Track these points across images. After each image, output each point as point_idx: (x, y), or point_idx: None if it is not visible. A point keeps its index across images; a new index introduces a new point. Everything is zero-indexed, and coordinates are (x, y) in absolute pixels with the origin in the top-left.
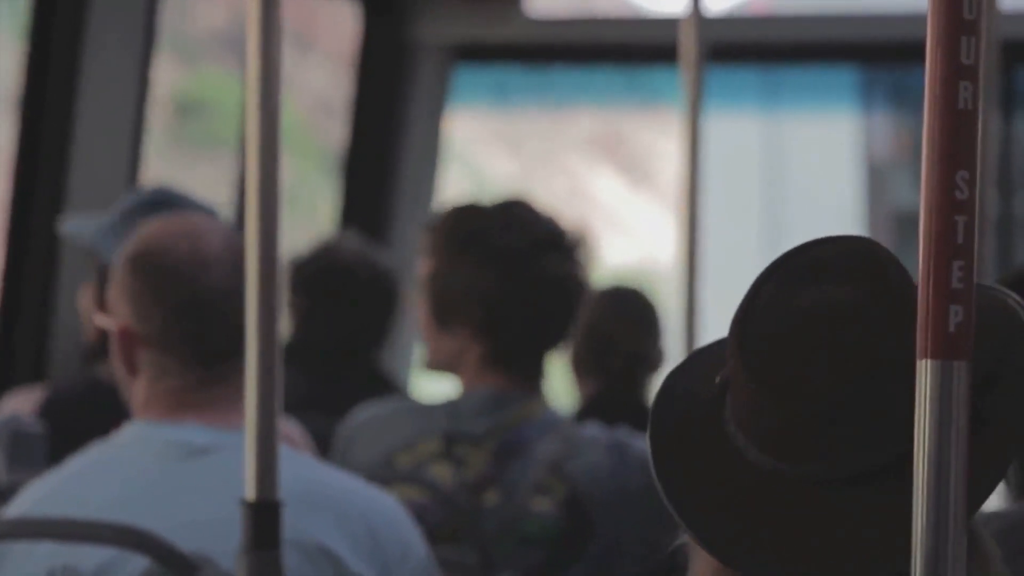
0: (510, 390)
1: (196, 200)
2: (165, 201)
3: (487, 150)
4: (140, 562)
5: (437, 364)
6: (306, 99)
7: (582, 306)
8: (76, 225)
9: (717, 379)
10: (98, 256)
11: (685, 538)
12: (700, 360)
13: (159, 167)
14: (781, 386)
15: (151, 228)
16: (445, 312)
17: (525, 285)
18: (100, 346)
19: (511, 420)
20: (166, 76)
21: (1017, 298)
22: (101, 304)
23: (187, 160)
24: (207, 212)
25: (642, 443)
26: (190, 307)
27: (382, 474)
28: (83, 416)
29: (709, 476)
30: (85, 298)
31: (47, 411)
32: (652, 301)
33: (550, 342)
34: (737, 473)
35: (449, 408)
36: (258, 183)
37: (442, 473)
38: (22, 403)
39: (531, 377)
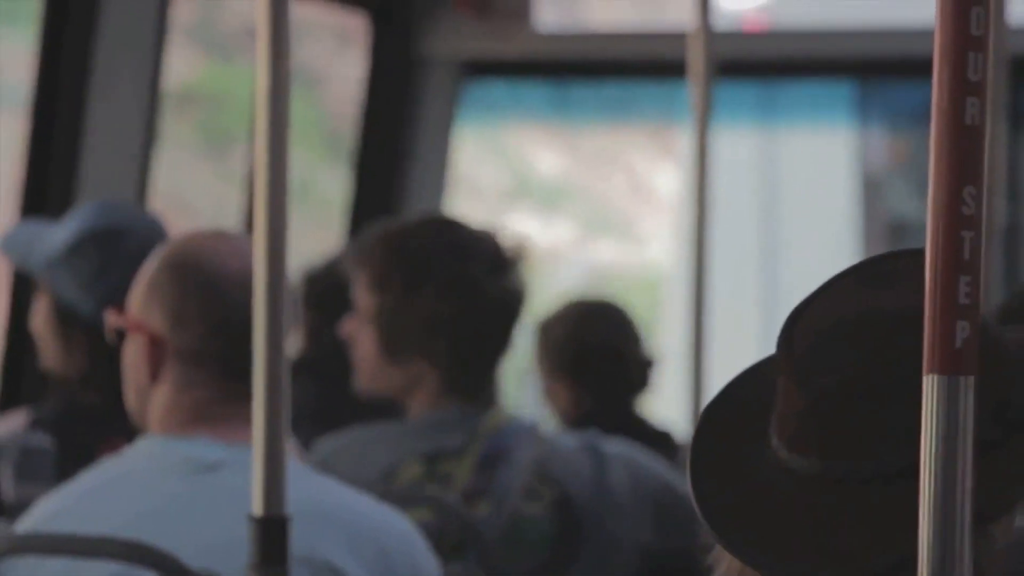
0: (470, 408)
1: (144, 214)
2: (114, 227)
3: (533, 142)
4: None
5: (382, 392)
6: (343, 92)
7: (525, 317)
8: (14, 244)
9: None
10: (51, 288)
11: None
12: (763, 370)
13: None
14: (803, 377)
15: (195, 239)
16: (400, 346)
17: (482, 309)
18: (79, 370)
19: (484, 431)
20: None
21: None
22: (62, 332)
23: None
24: (156, 226)
25: (611, 447)
26: (232, 324)
27: (385, 492)
28: (64, 440)
29: (739, 468)
30: (39, 321)
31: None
32: (628, 310)
33: (501, 359)
34: (763, 467)
35: (419, 428)
36: (266, 198)
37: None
38: (6, 426)
39: (487, 393)
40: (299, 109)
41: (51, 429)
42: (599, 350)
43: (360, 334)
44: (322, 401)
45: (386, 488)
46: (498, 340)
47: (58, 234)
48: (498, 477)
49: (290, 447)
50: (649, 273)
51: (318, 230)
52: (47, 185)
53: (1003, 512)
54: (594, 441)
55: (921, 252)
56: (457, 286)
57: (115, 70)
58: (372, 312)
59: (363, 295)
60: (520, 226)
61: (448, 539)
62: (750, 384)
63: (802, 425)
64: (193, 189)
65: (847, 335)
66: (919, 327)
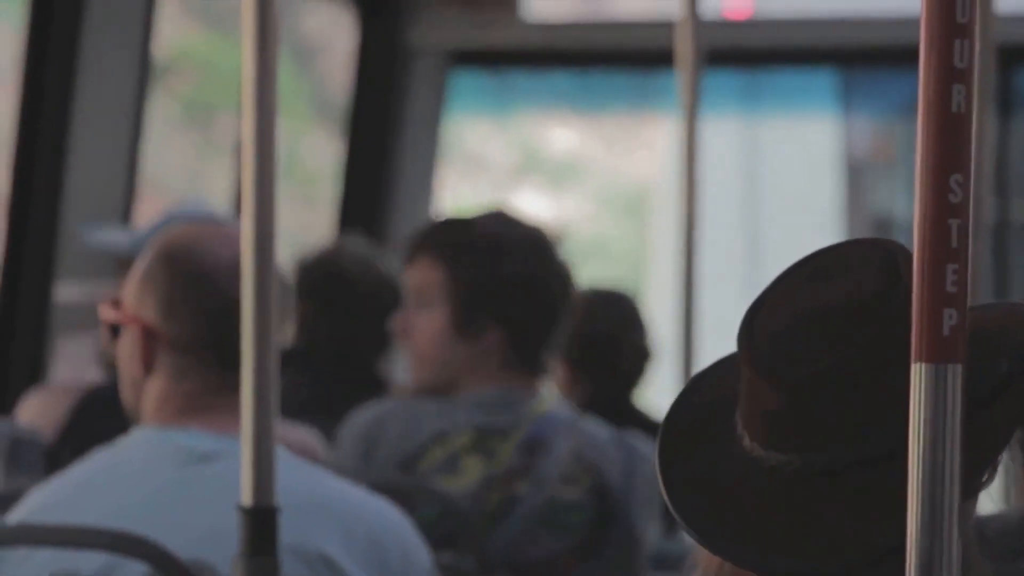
0: (523, 388)
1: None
2: (199, 214)
3: (542, 119)
4: (139, 568)
5: (442, 378)
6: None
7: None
8: (105, 236)
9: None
10: None
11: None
12: (725, 364)
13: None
14: (774, 374)
15: (188, 231)
16: (476, 315)
17: (550, 280)
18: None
19: (530, 416)
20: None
21: None
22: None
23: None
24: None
25: (639, 443)
26: (224, 313)
27: (395, 484)
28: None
29: (711, 471)
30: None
31: (84, 409)
32: (638, 301)
33: (556, 341)
34: (738, 467)
35: (470, 403)
36: (254, 189)
37: (473, 465)
38: (51, 402)
39: (539, 375)
40: (295, 83)
41: (105, 405)
42: (600, 341)
43: (421, 319)
44: (313, 391)
45: (396, 482)
46: (557, 317)
47: (144, 226)
48: (539, 461)
49: (305, 438)
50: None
51: (312, 203)
52: (36, 163)
53: (980, 488)
54: (625, 437)
55: (866, 242)
56: (531, 254)
57: (104, 43)
58: (446, 286)
59: (428, 275)
60: (529, 202)
61: (452, 533)
62: (709, 385)
63: (776, 423)
64: (170, 165)
65: (809, 329)
66: (878, 315)
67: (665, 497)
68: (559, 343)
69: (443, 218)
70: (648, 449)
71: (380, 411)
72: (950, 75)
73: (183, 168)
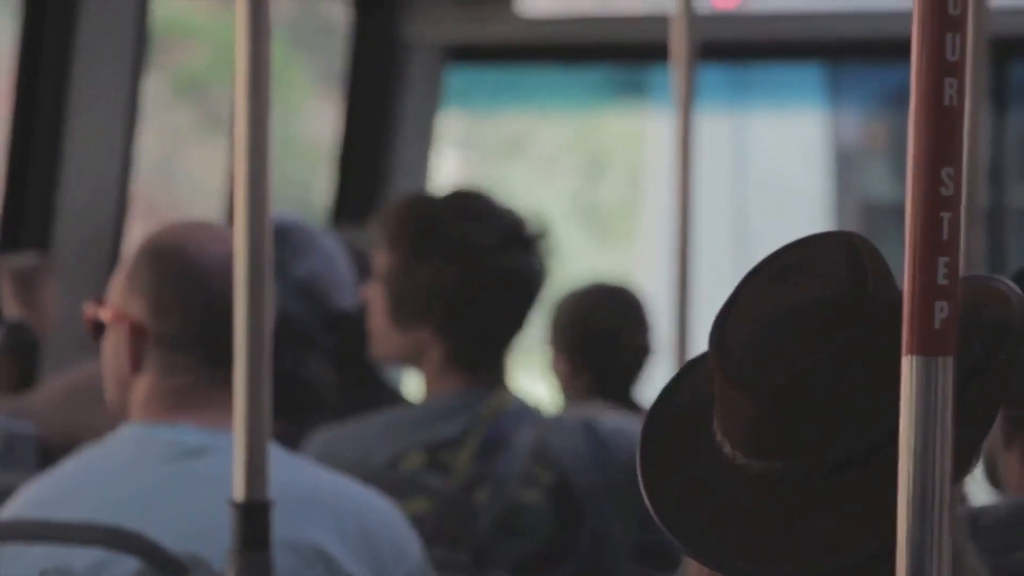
0: (475, 388)
1: (312, 227)
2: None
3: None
4: (132, 563)
5: (392, 359)
6: None
7: (543, 299)
8: None
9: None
10: None
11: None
12: (699, 365)
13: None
14: (751, 382)
15: (175, 228)
16: (404, 310)
17: (488, 282)
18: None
19: (485, 415)
20: None
21: (1009, 283)
22: None
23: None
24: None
25: (608, 422)
26: (213, 309)
27: (386, 479)
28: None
29: (692, 478)
30: None
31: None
32: (641, 297)
33: (512, 338)
34: (722, 475)
35: (419, 416)
36: (247, 179)
37: (430, 484)
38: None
39: (494, 373)
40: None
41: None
42: (600, 337)
43: (374, 297)
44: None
45: (388, 477)
46: (505, 317)
47: None
48: (497, 464)
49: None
50: None
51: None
52: (32, 142)
53: (963, 474)
54: (590, 419)
55: (830, 237)
56: (462, 255)
57: (100, 22)
58: (383, 272)
59: (378, 256)
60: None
61: (447, 528)
62: (686, 388)
63: (756, 430)
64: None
65: (778, 334)
66: (847, 316)
67: (652, 512)
68: (515, 343)
69: (408, 198)
70: (624, 424)
71: (328, 440)
72: (942, 68)
73: (181, 142)
